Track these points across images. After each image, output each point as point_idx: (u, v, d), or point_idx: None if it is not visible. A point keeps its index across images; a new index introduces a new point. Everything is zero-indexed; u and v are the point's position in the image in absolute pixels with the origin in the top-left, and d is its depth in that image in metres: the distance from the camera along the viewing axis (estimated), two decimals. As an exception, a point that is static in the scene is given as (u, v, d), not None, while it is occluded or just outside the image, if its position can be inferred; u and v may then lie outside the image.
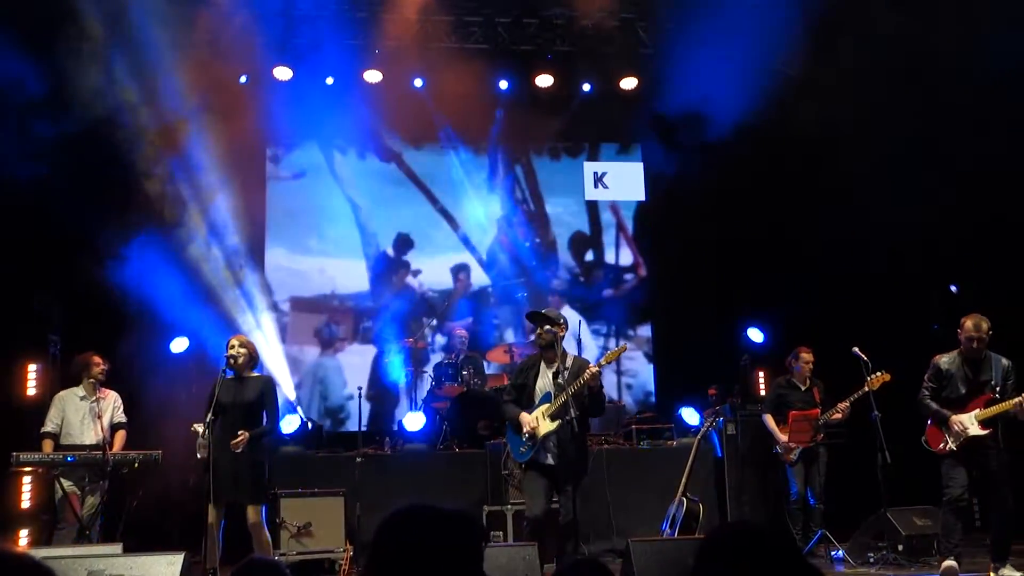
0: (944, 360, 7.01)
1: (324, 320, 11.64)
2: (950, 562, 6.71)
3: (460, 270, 12.06)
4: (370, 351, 11.60)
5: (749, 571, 2.14)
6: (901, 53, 9.00)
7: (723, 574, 2.18)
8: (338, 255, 11.76)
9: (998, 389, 6.78)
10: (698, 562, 2.21)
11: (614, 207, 12.56)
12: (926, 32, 8.50)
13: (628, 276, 12.53)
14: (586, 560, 2.67)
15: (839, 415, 8.30)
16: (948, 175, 8.97)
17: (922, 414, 7.11)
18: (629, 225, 12.60)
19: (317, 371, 11.57)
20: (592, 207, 12.55)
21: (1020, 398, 6.60)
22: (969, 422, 6.79)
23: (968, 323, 6.88)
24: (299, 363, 11.48)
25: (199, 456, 6.65)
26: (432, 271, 11.98)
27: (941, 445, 6.89)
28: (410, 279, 11.87)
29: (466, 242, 12.06)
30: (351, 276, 11.76)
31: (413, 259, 11.93)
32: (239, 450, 6.61)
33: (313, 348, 11.64)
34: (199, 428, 6.69)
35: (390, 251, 11.90)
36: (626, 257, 12.54)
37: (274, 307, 11.39)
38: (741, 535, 2.26)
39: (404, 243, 11.94)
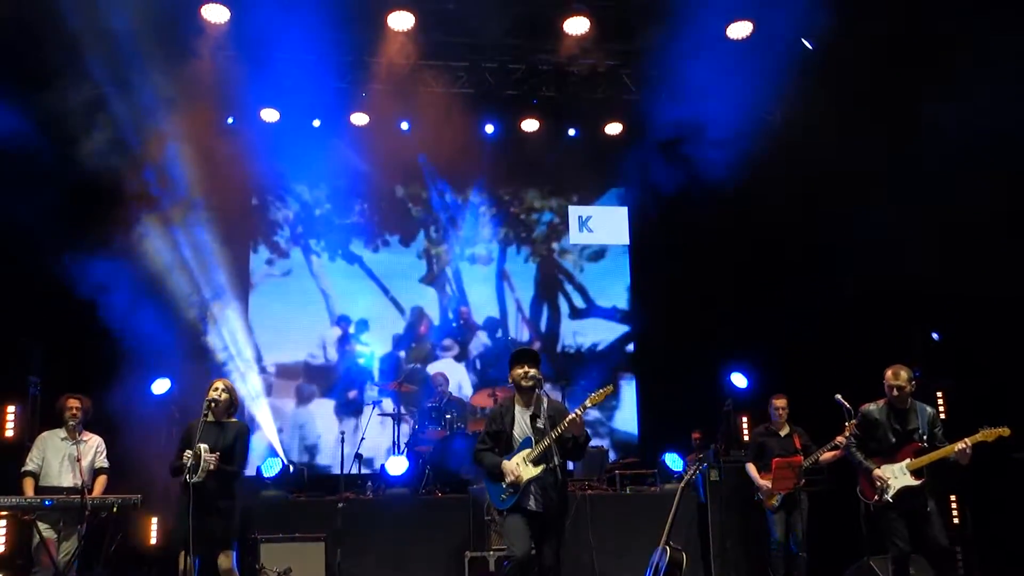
0: (872, 409, 7.03)
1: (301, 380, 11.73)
2: None
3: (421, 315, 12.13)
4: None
5: None
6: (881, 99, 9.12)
7: None
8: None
9: (925, 438, 6.83)
10: None
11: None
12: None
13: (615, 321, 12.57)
14: None
15: (838, 452, 8.25)
16: (933, 218, 9.04)
17: (850, 463, 7.15)
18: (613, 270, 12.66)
19: (296, 418, 11.59)
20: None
21: (960, 443, 6.61)
22: (900, 472, 6.82)
23: (888, 372, 6.93)
24: (281, 412, 11.51)
25: (189, 480, 6.50)
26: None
27: (876, 497, 6.88)
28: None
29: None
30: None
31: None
32: (212, 467, 6.54)
33: (291, 400, 11.70)
34: (192, 452, 6.57)
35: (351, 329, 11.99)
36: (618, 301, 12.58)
37: (260, 368, 11.48)
38: None
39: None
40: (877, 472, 6.84)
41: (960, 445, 6.62)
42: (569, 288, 12.52)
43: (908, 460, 6.82)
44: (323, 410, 11.71)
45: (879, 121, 9.30)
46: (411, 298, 12.10)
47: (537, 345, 11.72)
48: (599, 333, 12.47)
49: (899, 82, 8.98)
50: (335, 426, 11.33)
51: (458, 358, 12.08)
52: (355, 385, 11.67)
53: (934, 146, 8.69)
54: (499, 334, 11.94)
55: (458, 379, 11.79)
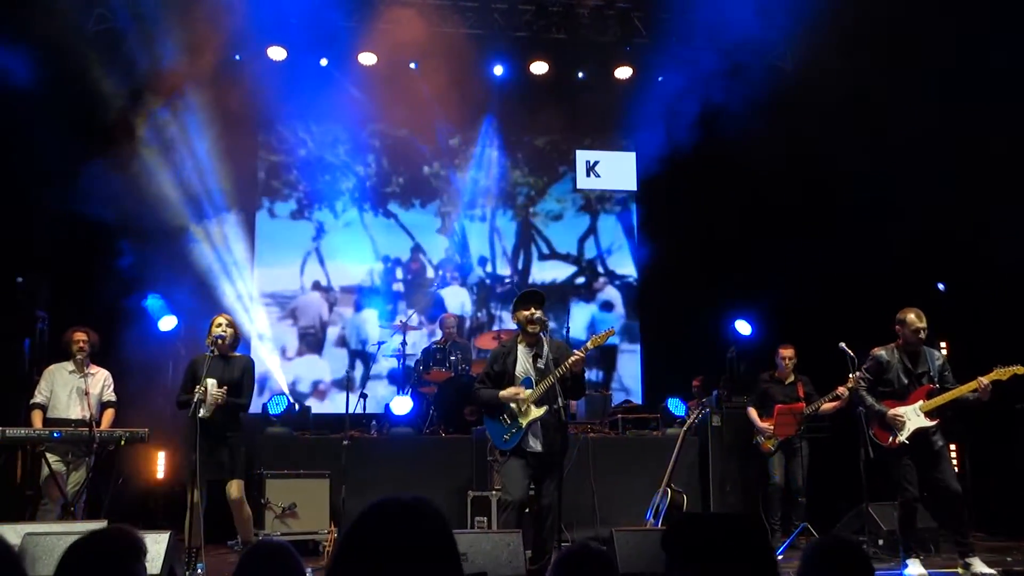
0: (883, 352, 7.07)
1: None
2: (920, 570, 6.76)
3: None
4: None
5: (711, 556, 2.19)
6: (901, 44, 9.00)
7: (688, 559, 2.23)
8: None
9: (937, 380, 6.89)
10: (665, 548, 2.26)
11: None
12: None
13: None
14: (589, 549, 2.64)
15: (839, 402, 8.32)
16: (945, 171, 8.98)
17: (859, 405, 7.19)
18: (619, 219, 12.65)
19: (297, 364, 11.66)
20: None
21: (980, 380, 6.67)
22: (914, 414, 6.85)
23: (911, 315, 6.95)
24: (287, 347, 11.58)
25: (201, 414, 6.58)
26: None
27: (891, 439, 6.91)
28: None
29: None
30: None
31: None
32: (220, 403, 6.63)
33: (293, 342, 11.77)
34: (200, 387, 6.63)
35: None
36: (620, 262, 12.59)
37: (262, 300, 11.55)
38: (701, 522, 2.30)
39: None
40: (892, 412, 6.87)
41: (978, 383, 6.67)
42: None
43: (921, 401, 6.85)
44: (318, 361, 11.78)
45: (895, 71, 9.20)
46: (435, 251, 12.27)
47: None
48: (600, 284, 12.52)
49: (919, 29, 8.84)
50: (343, 367, 11.39)
51: (461, 284, 12.26)
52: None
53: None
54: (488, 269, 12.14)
55: (461, 300, 12.14)
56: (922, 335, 6.93)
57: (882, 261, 9.64)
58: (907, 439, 6.82)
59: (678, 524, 2.38)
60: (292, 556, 2.65)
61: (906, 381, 6.96)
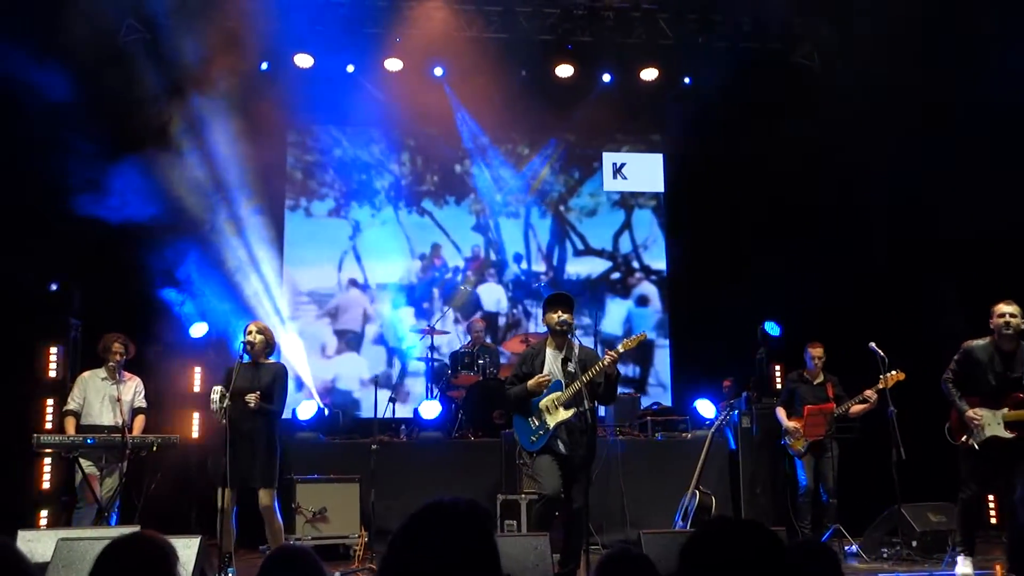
0: (977, 345, 6.59)
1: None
2: (968, 570, 6.60)
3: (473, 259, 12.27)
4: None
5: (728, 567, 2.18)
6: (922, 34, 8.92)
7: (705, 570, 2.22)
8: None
9: None
10: (681, 560, 2.26)
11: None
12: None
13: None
14: (630, 552, 2.65)
15: (867, 405, 8.21)
16: (977, 171, 8.88)
17: (944, 396, 6.79)
18: (650, 218, 12.61)
19: (334, 363, 11.72)
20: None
21: None
22: (995, 419, 6.45)
23: (999, 304, 6.49)
24: (318, 353, 11.66)
25: (215, 408, 6.66)
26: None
27: (964, 438, 6.59)
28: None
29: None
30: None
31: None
32: (252, 406, 6.68)
33: (331, 340, 11.84)
34: (218, 391, 6.70)
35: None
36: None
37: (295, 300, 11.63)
38: (722, 533, 2.29)
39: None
40: (971, 412, 6.49)
41: None
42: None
43: (1007, 409, 6.44)
44: (356, 358, 11.85)
45: (926, 69, 9.12)
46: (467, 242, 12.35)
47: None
48: (632, 283, 12.49)
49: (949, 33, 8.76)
50: (369, 371, 11.46)
51: (497, 282, 12.31)
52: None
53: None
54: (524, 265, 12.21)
55: (496, 297, 12.23)
56: (1009, 328, 6.38)
57: (914, 261, 9.56)
58: (978, 445, 6.46)
59: (695, 539, 2.37)
60: (313, 560, 2.67)
61: (994, 383, 6.50)
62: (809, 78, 11.05)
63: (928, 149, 9.03)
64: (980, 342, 6.62)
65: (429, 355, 10.39)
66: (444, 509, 2.18)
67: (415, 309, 11.84)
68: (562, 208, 12.52)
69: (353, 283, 11.92)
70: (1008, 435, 6.41)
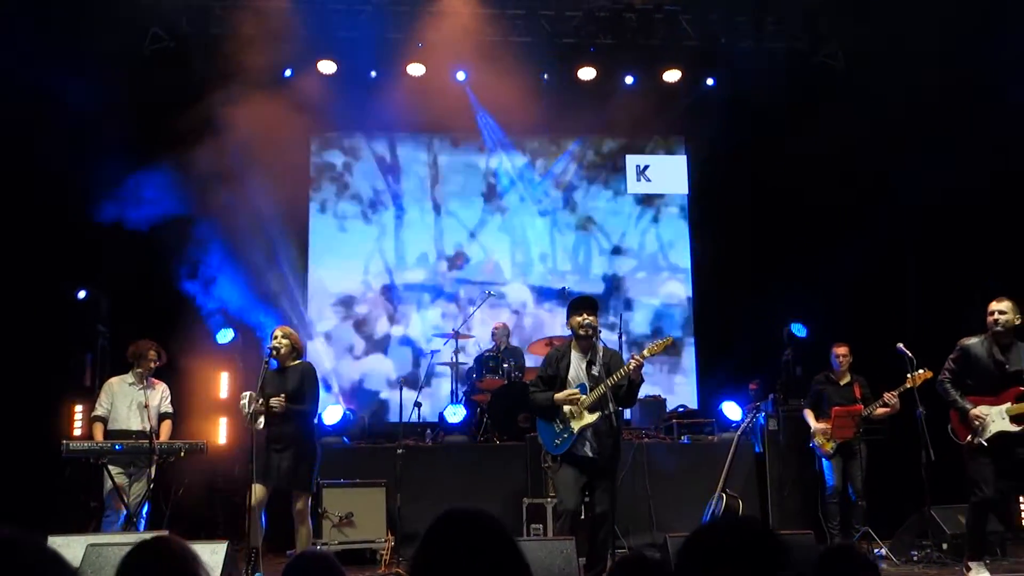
0: (973, 342, 6.64)
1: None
2: (984, 574, 6.53)
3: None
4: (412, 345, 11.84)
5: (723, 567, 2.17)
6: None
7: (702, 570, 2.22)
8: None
9: None
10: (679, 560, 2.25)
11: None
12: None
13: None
14: (645, 557, 2.66)
15: (888, 409, 8.17)
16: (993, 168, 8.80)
17: (942, 398, 6.79)
18: (675, 218, 12.57)
19: (361, 365, 11.75)
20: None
21: None
22: (999, 415, 6.44)
23: (992, 303, 6.57)
24: (345, 354, 11.69)
25: (245, 412, 6.70)
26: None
27: (969, 438, 6.55)
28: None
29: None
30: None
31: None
32: (278, 409, 6.72)
33: (359, 342, 11.85)
34: (248, 396, 6.75)
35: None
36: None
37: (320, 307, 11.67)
38: (718, 534, 2.28)
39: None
40: (975, 411, 6.49)
41: None
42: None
43: (1009, 404, 6.44)
44: (383, 359, 11.88)
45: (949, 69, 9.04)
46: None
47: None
48: (658, 283, 12.45)
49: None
50: (396, 372, 11.49)
51: (523, 283, 12.31)
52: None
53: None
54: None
55: (523, 299, 12.22)
56: (999, 324, 6.48)
57: (938, 261, 9.49)
58: (985, 441, 6.45)
59: (690, 541, 2.35)
60: (335, 566, 2.67)
61: (996, 377, 6.51)
62: (834, 77, 10.98)
63: (957, 150, 8.94)
64: (975, 339, 6.67)
65: (454, 358, 10.39)
66: (467, 519, 2.18)
67: (441, 311, 11.87)
68: (586, 209, 12.48)
69: (379, 285, 11.95)
70: (1015, 428, 6.43)
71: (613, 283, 12.30)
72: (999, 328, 6.52)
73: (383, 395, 11.62)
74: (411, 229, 12.13)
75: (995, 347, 6.57)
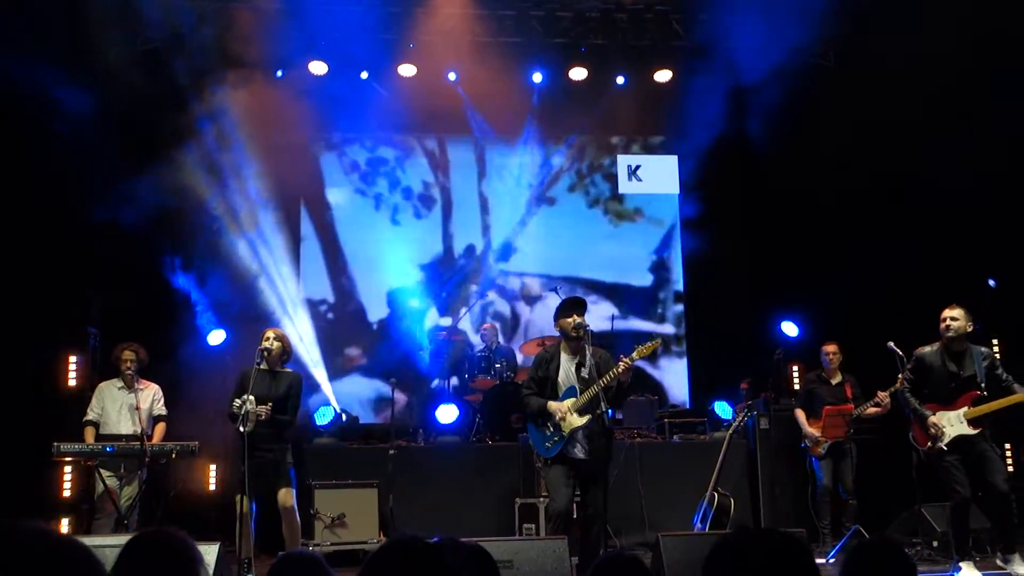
0: (927, 352, 6.81)
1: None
2: (974, 572, 6.57)
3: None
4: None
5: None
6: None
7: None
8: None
9: (983, 384, 6.61)
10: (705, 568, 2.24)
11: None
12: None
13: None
14: (622, 555, 2.67)
15: (880, 408, 8.21)
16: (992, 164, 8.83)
17: (903, 408, 6.96)
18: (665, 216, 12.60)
19: (355, 364, 11.77)
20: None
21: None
22: (957, 420, 6.62)
23: (945, 311, 6.73)
24: (337, 354, 11.70)
25: (241, 429, 6.69)
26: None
27: (929, 444, 6.69)
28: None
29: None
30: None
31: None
32: (262, 417, 6.73)
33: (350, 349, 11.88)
34: (238, 403, 6.75)
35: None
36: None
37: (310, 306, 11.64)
38: (747, 541, 2.27)
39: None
40: (932, 419, 6.64)
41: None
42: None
43: (966, 408, 6.61)
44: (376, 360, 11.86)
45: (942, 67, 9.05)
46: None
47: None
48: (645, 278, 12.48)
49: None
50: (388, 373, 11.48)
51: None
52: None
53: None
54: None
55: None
56: (951, 331, 6.65)
57: (932, 260, 9.50)
58: (945, 446, 6.60)
59: (719, 548, 2.35)
60: (322, 566, 2.66)
61: (951, 385, 6.70)
62: (825, 78, 11.00)
63: (956, 149, 8.96)
64: (929, 348, 6.85)
65: (446, 358, 10.40)
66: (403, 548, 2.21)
67: (436, 309, 11.85)
68: (578, 209, 12.48)
69: (374, 284, 11.94)
70: (972, 431, 6.60)
71: (604, 282, 12.28)
72: (951, 335, 6.70)
73: (376, 394, 11.60)
74: (403, 228, 12.11)
75: (946, 354, 6.75)
